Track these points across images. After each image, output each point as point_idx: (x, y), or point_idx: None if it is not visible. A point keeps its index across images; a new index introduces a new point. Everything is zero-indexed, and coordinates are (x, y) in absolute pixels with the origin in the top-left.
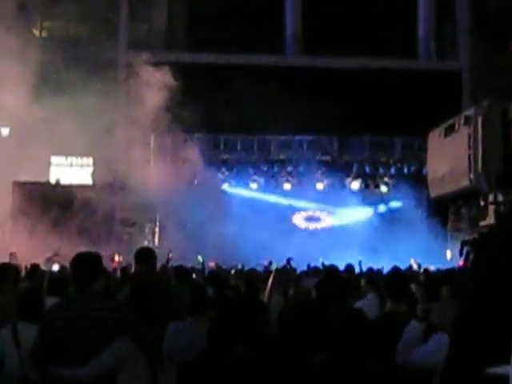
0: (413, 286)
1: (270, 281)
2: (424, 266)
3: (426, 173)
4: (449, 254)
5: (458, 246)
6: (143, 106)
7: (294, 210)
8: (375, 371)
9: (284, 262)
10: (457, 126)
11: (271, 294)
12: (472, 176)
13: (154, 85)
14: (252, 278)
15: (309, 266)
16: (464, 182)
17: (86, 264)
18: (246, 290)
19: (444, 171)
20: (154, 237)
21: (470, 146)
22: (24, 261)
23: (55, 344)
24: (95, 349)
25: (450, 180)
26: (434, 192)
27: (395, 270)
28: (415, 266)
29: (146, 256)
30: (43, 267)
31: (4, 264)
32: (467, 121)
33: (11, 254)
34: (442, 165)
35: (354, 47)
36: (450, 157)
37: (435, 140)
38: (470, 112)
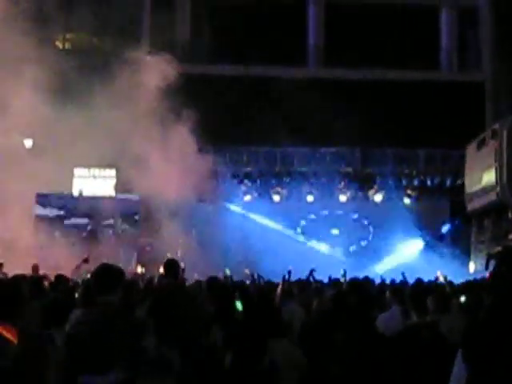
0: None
1: (279, 291)
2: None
3: (452, 185)
4: (472, 266)
5: (481, 258)
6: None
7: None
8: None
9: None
10: (487, 140)
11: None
12: (498, 189)
13: (177, 96)
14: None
15: (330, 277)
16: (492, 196)
17: (104, 275)
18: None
19: (477, 185)
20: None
21: (495, 160)
22: (49, 271)
23: (78, 354)
24: (108, 361)
25: (481, 194)
26: (470, 205)
27: (419, 281)
28: (441, 279)
29: (172, 267)
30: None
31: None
32: (494, 134)
33: (34, 266)
34: (475, 178)
35: (377, 59)
36: (481, 170)
37: (470, 153)
38: (497, 126)
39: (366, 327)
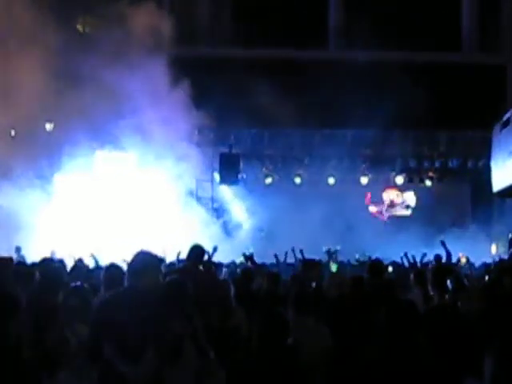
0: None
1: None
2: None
3: (474, 167)
4: (494, 248)
5: (504, 240)
6: (187, 101)
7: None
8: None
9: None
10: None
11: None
12: None
13: (199, 80)
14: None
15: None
16: None
17: (143, 262)
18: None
19: (502, 165)
20: None
21: None
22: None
23: (105, 338)
24: (142, 344)
25: (507, 174)
26: (497, 186)
27: (438, 262)
28: (464, 260)
29: (192, 252)
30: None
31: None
32: None
33: (52, 253)
34: (500, 159)
35: (398, 41)
36: (506, 150)
37: (496, 134)
38: None
39: (408, 307)
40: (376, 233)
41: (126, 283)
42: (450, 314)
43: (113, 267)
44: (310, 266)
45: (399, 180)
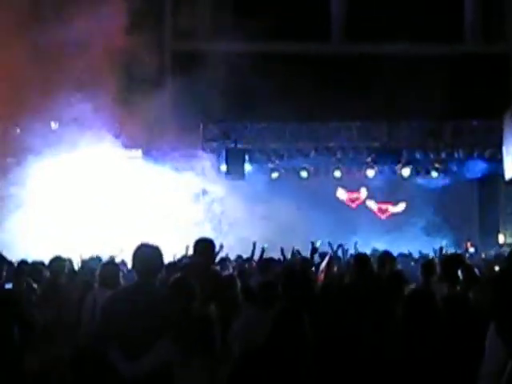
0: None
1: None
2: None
3: (480, 157)
4: (501, 237)
5: (511, 229)
6: (191, 96)
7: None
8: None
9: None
10: None
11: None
12: None
13: (201, 74)
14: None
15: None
16: None
17: (150, 257)
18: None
19: None
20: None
21: None
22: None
23: (113, 327)
24: (146, 338)
25: None
26: (509, 174)
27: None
28: (471, 249)
29: (204, 247)
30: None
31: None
32: None
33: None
34: (511, 146)
35: (400, 32)
36: None
37: (507, 122)
38: None
39: (430, 303)
40: (380, 225)
41: (122, 280)
42: (461, 305)
43: (108, 264)
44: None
45: (405, 172)
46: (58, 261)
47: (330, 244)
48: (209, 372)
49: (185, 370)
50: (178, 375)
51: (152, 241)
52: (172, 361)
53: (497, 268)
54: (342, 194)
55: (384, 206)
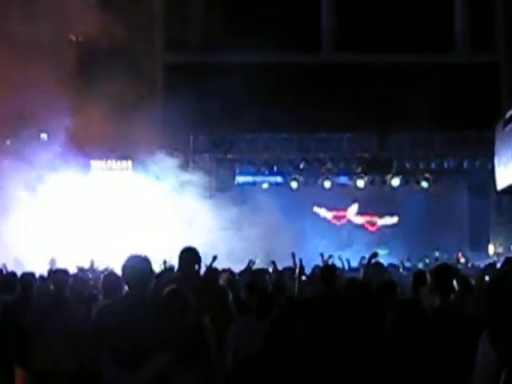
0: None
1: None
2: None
3: (470, 167)
4: (491, 248)
5: (501, 240)
6: (181, 108)
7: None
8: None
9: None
10: None
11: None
12: None
13: (192, 86)
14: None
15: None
16: None
17: (140, 268)
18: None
19: (506, 163)
20: None
21: None
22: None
23: (104, 340)
24: (139, 350)
25: (510, 172)
26: (501, 184)
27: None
28: (462, 260)
29: (189, 256)
30: None
31: None
32: None
33: (52, 260)
34: (504, 156)
35: (390, 43)
36: (509, 148)
37: (499, 132)
38: None
39: (415, 307)
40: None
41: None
42: (453, 315)
43: (111, 275)
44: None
45: (395, 182)
46: (60, 273)
47: (321, 255)
48: (204, 380)
49: (181, 378)
50: (174, 383)
51: (140, 251)
52: (169, 370)
53: (487, 278)
54: (323, 212)
55: (373, 219)
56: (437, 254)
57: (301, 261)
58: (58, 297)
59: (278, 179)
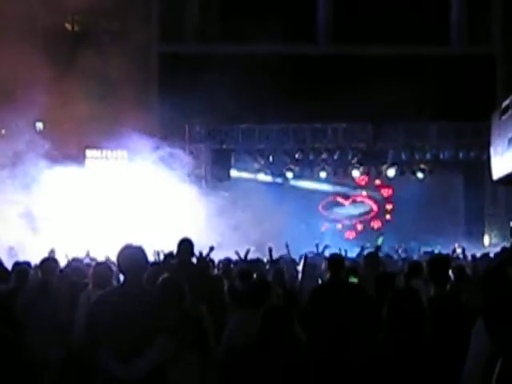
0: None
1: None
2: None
3: (466, 158)
4: (486, 239)
5: (496, 230)
6: (177, 98)
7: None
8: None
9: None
10: (510, 108)
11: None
12: None
13: (188, 76)
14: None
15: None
16: None
17: (135, 257)
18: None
19: (502, 152)
20: None
21: None
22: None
23: (102, 331)
24: (138, 339)
25: (507, 161)
26: (497, 174)
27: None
28: (459, 251)
29: (186, 246)
30: None
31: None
32: None
33: (51, 251)
34: (500, 146)
35: (386, 34)
36: (505, 137)
37: (495, 122)
38: None
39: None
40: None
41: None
42: (450, 304)
43: (101, 265)
44: None
45: (391, 172)
46: (48, 261)
47: (316, 246)
48: (202, 368)
49: (178, 366)
50: (172, 371)
51: (136, 240)
52: (170, 355)
53: (482, 268)
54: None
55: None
56: (433, 245)
57: (305, 256)
58: (45, 285)
59: (274, 169)
